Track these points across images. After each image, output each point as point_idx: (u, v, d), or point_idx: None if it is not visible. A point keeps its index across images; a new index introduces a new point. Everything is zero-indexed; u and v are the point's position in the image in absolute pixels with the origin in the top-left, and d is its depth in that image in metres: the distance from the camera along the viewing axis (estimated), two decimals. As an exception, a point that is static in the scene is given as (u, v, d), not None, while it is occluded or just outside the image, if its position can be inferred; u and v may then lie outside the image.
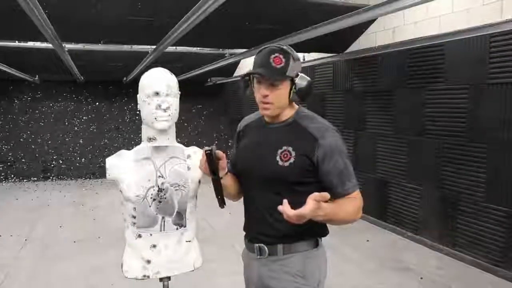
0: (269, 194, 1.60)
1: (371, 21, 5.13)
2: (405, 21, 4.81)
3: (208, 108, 10.68)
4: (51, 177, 9.37)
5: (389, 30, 5.05)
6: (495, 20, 3.70)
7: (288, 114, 1.64)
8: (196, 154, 2.01)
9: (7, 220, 5.93)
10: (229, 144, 10.19)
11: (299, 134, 1.59)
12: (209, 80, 10.40)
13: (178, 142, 2.01)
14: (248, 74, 1.61)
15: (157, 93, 1.82)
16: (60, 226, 5.63)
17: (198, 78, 9.30)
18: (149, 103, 1.83)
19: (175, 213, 1.90)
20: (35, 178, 9.20)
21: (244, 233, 1.77)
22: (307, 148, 1.55)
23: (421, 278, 3.89)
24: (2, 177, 9.04)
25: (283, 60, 1.55)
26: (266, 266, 1.65)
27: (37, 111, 9.57)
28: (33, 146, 9.37)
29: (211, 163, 1.55)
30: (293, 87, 1.58)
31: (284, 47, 1.58)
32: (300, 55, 6.67)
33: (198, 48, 7.05)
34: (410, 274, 3.99)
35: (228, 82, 10.17)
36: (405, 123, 4.94)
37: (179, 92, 1.92)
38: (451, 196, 4.36)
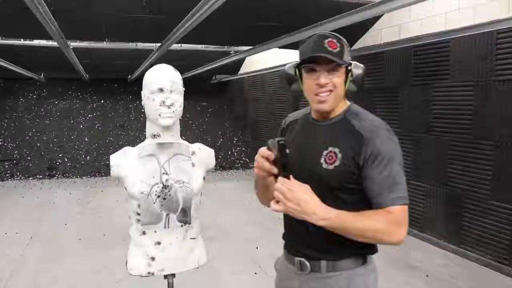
0: None
1: (377, 18, 5.10)
2: (411, 17, 4.78)
3: (213, 105, 10.69)
4: (56, 175, 9.41)
5: (395, 27, 5.02)
6: (502, 16, 3.67)
7: (338, 110, 1.47)
8: (201, 151, 2.00)
9: (13, 218, 5.95)
10: (234, 141, 10.19)
11: (347, 133, 1.41)
12: (214, 77, 10.41)
13: (183, 139, 2.01)
14: (306, 61, 1.39)
15: (161, 90, 1.81)
16: (65, 224, 5.65)
17: (203, 75, 9.32)
18: (153, 99, 1.82)
19: (179, 210, 1.89)
20: (41, 176, 9.23)
21: (283, 241, 1.59)
22: (354, 149, 1.37)
23: (427, 276, 3.87)
24: (8, 175, 9.08)
25: (338, 45, 1.38)
26: (307, 283, 1.47)
27: (42, 109, 9.61)
28: (38, 144, 9.41)
29: (283, 157, 1.33)
30: (349, 75, 1.41)
31: (333, 33, 1.43)
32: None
33: (203, 46, 7.05)
34: (416, 272, 3.97)
35: (233, 79, 10.17)
36: (410, 120, 4.92)
37: (184, 89, 1.92)
38: (457, 194, 4.33)
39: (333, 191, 1.38)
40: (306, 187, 1.30)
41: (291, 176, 1.31)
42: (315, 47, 1.37)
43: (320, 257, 1.44)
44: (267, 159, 1.37)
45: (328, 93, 1.39)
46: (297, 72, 1.46)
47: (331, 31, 1.51)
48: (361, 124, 1.41)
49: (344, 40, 1.41)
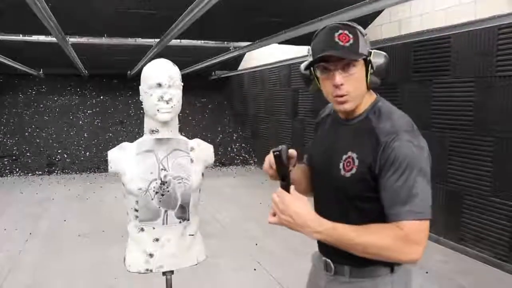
0: (334, 206, 1.30)
1: (377, 13, 5.08)
2: (411, 13, 4.76)
3: (213, 101, 10.66)
4: (55, 171, 9.39)
5: (395, 23, 5.00)
6: (503, 11, 3.64)
7: (364, 106, 1.32)
8: (200, 147, 1.99)
9: (12, 214, 5.94)
10: (234, 138, 10.18)
11: (367, 136, 1.27)
12: (213, 73, 10.38)
13: (182, 135, 1.99)
14: (314, 62, 1.26)
15: (159, 85, 1.79)
16: (65, 220, 5.64)
17: (203, 71, 9.28)
18: (151, 94, 1.80)
19: (178, 207, 1.87)
20: (40, 172, 9.22)
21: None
22: (371, 155, 1.23)
23: (427, 272, 3.86)
24: (7, 171, 9.07)
25: (351, 36, 1.22)
26: (332, 284, 1.40)
27: (41, 105, 9.59)
28: (37, 140, 9.39)
29: (280, 167, 1.27)
30: (369, 67, 1.26)
31: (346, 22, 1.27)
32: (306, 48, 6.63)
33: (203, 41, 7.02)
34: (415, 269, 3.96)
35: (232, 75, 10.15)
36: (411, 116, 4.82)
37: (182, 84, 1.89)
38: (457, 190, 4.32)
39: (352, 200, 1.28)
40: (303, 199, 1.21)
41: (292, 186, 1.23)
42: (325, 44, 1.23)
43: (344, 262, 1.34)
44: (272, 165, 1.33)
45: (345, 97, 1.26)
46: (312, 72, 1.33)
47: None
48: (381, 125, 1.26)
49: (359, 27, 1.26)
